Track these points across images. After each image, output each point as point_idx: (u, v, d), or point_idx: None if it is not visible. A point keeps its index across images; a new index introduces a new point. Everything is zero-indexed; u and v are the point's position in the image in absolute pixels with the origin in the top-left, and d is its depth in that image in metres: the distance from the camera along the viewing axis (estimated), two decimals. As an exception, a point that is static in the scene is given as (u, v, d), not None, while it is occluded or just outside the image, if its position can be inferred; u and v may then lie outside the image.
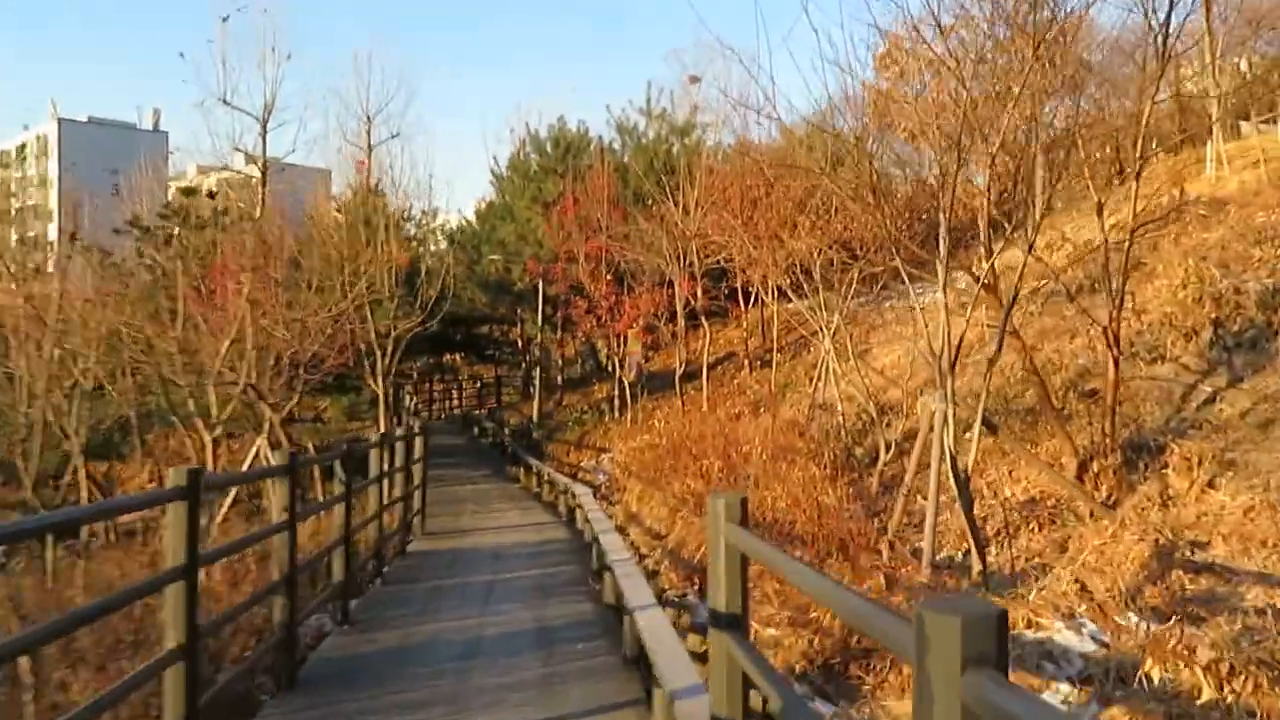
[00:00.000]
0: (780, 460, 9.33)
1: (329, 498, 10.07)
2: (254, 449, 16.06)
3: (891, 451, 9.80)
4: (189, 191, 25.62)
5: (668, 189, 22.63)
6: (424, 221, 34.75)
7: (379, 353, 18.37)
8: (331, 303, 15.59)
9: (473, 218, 34.84)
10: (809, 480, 8.56)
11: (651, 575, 9.25)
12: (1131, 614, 5.76)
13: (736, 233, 17.52)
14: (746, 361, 23.95)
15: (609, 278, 22.93)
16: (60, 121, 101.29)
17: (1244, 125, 29.02)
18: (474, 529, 16.23)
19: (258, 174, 31.22)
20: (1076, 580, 6.27)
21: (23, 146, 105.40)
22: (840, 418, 12.64)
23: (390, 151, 42.65)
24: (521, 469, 23.29)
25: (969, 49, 9.80)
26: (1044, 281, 17.48)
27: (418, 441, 15.52)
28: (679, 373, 20.70)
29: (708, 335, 21.81)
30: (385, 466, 12.03)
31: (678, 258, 20.57)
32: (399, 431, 14.84)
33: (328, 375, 18.72)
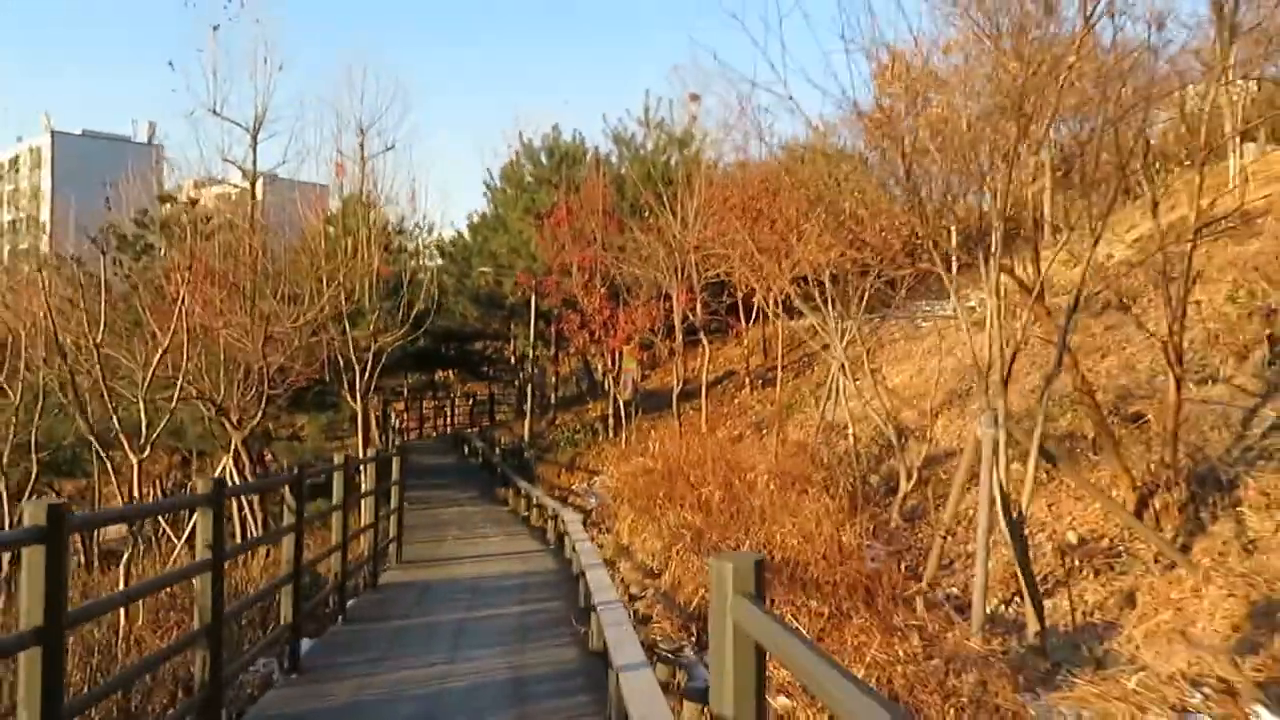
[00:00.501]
0: (789, 489, 8.27)
1: (274, 530, 8.96)
2: (220, 467, 14.93)
3: (914, 480, 8.72)
4: (166, 199, 24.51)
5: (666, 199, 21.65)
6: (416, 234, 33.85)
7: (357, 367, 17.25)
8: (299, 312, 14.47)
9: (466, 231, 33.83)
10: (823, 513, 7.48)
11: (643, 621, 8.14)
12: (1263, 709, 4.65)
13: (740, 240, 16.48)
14: (747, 380, 22.87)
15: (603, 291, 21.88)
16: (53, 134, 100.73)
17: (1250, 146, 28.20)
18: (454, 557, 15.09)
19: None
20: (1180, 654, 5.15)
21: (15, 159, 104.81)
22: (852, 441, 11.55)
23: (383, 161, 41.77)
24: (511, 491, 22.15)
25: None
26: (1068, 293, 16.50)
27: (394, 463, 14.42)
28: (676, 391, 19.61)
29: (707, 352, 20.73)
30: (349, 492, 10.92)
31: (676, 270, 19.53)
32: (380, 452, 13.79)
33: (300, 390, 17.62)
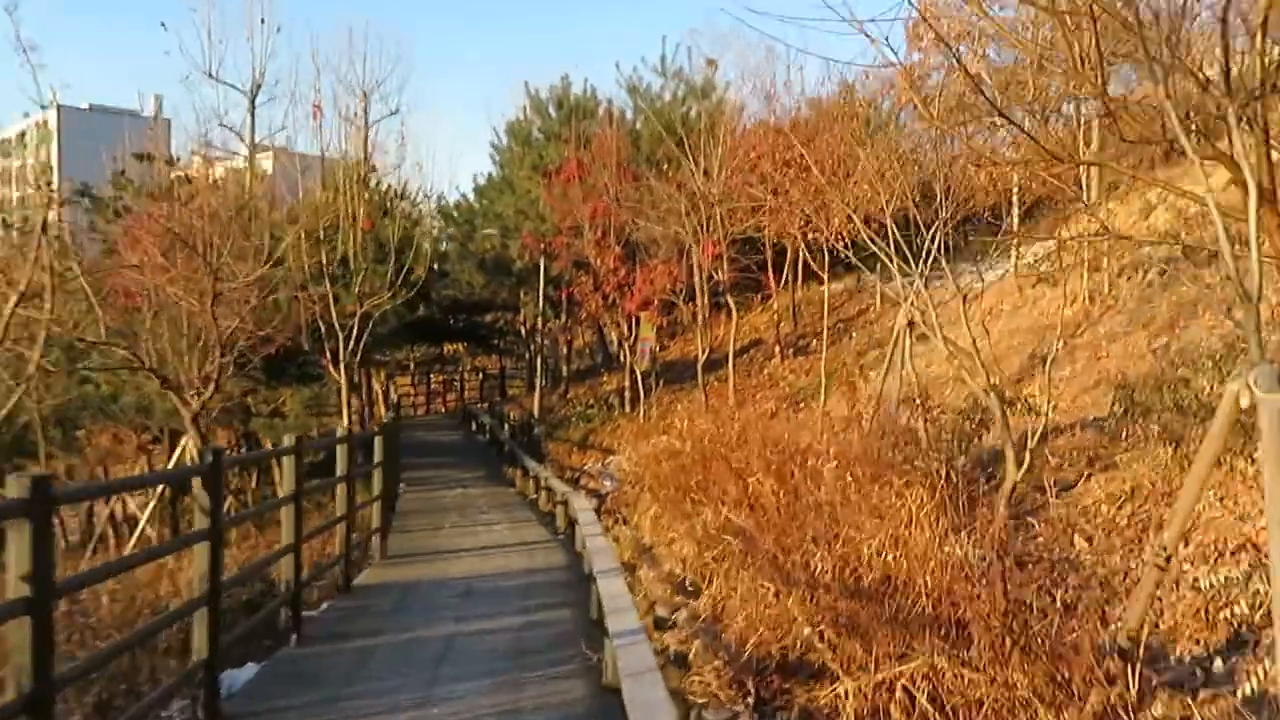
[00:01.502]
0: (862, 477, 6.27)
1: (174, 539, 7.01)
2: (180, 448, 13.01)
3: (1024, 465, 6.65)
4: (143, 157, 22.54)
5: (687, 148, 19.51)
6: (418, 198, 31.79)
7: (340, 334, 15.24)
8: (254, 268, 12.36)
9: (471, 195, 31.66)
10: (921, 516, 5.47)
11: (677, 661, 6.12)
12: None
13: (781, 185, 14.35)
14: (777, 348, 20.77)
15: (618, 250, 19.78)
16: (60, 108, 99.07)
17: None
18: (449, 550, 13.14)
19: (268, 163, 28.80)
20: None
21: (23, 134, 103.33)
22: (919, 413, 9.46)
23: (382, 128, 39.72)
24: (518, 471, 20.20)
25: None
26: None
27: (376, 442, 12.46)
28: (701, 360, 17.51)
29: (734, 317, 18.62)
30: (301, 484, 8.94)
31: (700, 225, 17.40)
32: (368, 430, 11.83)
33: (279, 360, 15.68)
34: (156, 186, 21.36)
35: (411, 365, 42.19)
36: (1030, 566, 5.67)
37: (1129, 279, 12.90)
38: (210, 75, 27.85)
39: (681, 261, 18.18)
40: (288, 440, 7.96)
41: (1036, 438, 6.71)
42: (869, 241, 9.67)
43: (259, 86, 28.30)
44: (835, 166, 13.98)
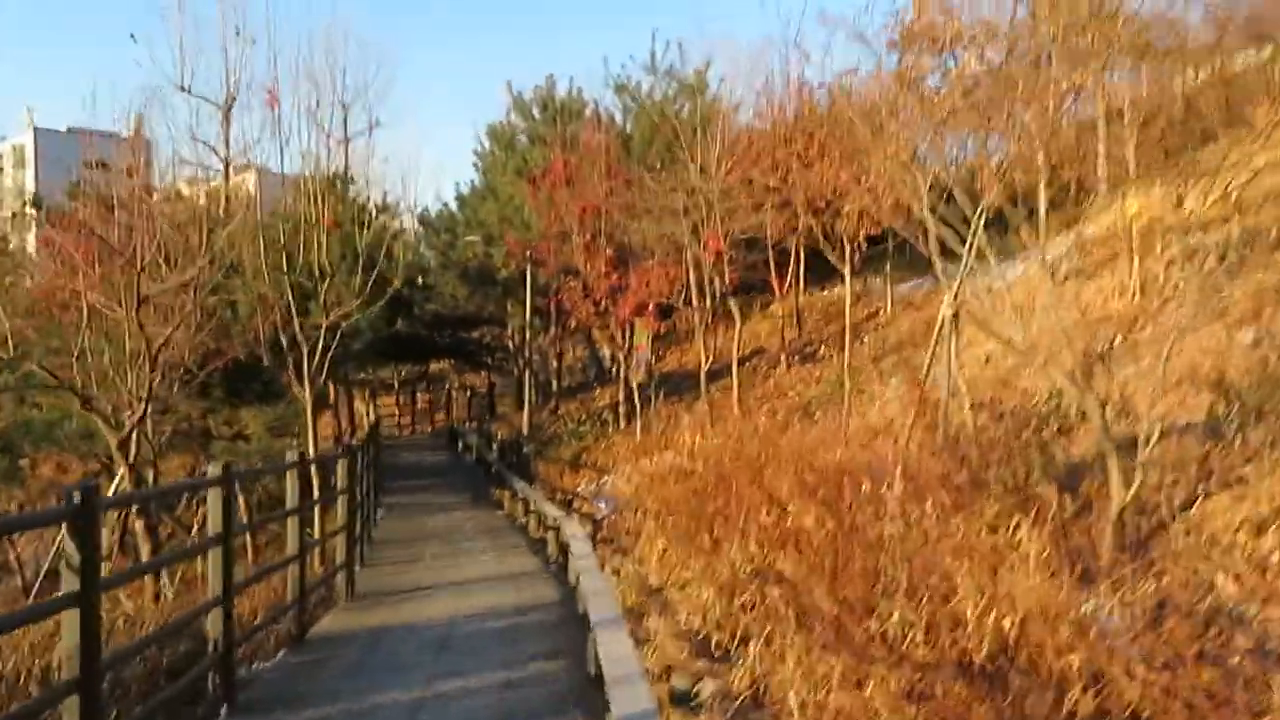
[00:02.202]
0: (940, 505, 4.88)
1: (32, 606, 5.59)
2: (116, 482, 11.50)
3: (1134, 485, 5.23)
4: (101, 165, 21.09)
5: (684, 144, 18.18)
6: (397, 210, 30.37)
7: (304, 347, 13.76)
8: (186, 267, 10.84)
9: (453, 204, 30.19)
10: (1030, 556, 4.06)
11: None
12: None
13: (790, 171, 13.01)
14: (783, 356, 19.37)
15: (609, 253, 18.37)
16: (36, 130, 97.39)
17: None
18: (427, 586, 11.64)
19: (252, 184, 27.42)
20: None
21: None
22: (970, 419, 8.05)
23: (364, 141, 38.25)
24: (507, 493, 18.73)
25: None
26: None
27: (340, 466, 10.98)
28: (704, 368, 16.09)
29: (738, 321, 17.22)
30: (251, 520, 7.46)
31: (701, 221, 16.03)
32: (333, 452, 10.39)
33: (238, 377, 14.21)
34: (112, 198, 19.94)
35: (396, 384, 40.68)
36: (1172, 620, 4.27)
37: (1182, 268, 11.59)
38: (182, 88, 26.50)
39: (679, 264, 16.78)
40: (212, 470, 6.49)
41: (1149, 447, 5.29)
42: (892, 232, 8.25)
43: (234, 99, 26.96)
44: (851, 156, 12.63)
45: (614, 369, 25.37)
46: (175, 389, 11.64)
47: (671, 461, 9.61)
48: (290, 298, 13.54)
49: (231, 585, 6.77)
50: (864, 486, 5.45)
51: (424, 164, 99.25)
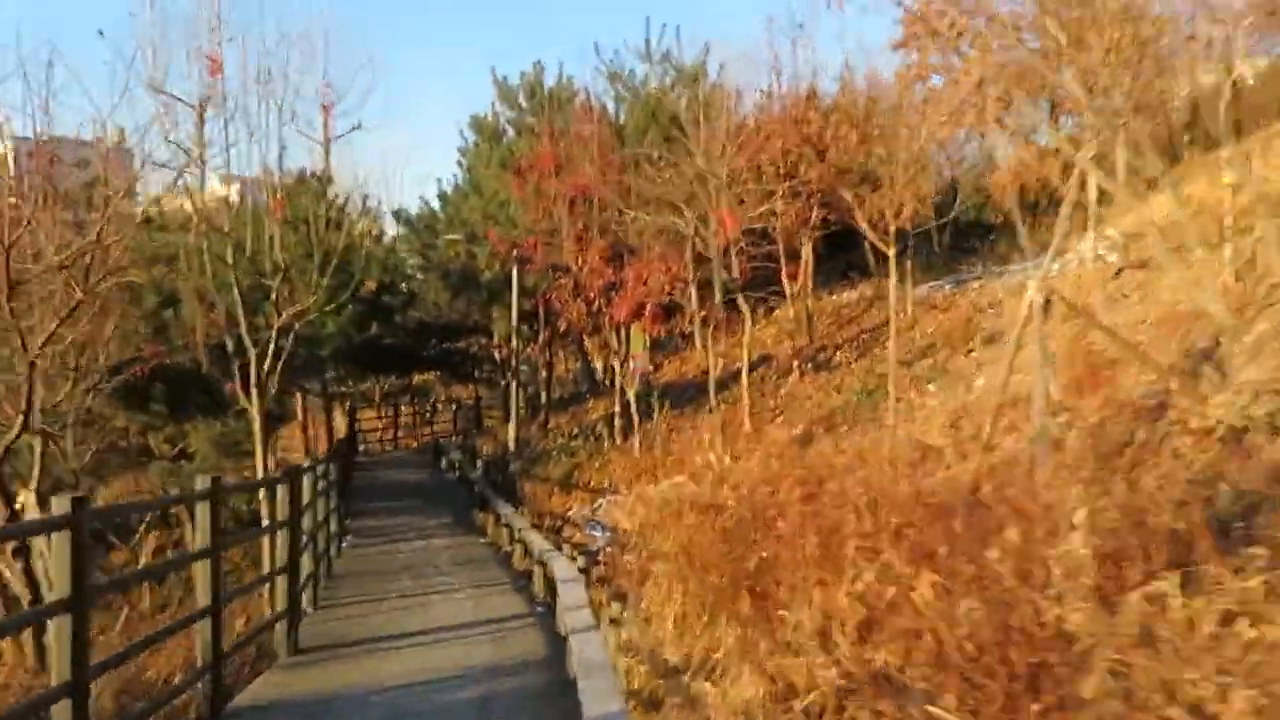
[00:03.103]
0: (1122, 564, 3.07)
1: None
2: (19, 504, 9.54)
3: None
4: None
5: (685, 128, 16.40)
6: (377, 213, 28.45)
7: (253, 352, 11.82)
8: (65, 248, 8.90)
9: (435, 202, 28.21)
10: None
11: None
12: None
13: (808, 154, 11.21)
14: (795, 364, 17.50)
15: (603, 246, 16.49)
16: (15, 140, 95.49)
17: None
18: (389, 636, 9.69)
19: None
20: None
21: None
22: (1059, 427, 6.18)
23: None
24: (490, 517, 16.81)
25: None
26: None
27: (280, 493, 9.05)
28: (714, 374, 14.19)
29: (748, 321, 15.35)
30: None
31: (703, 217, 14.21)
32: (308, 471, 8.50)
33: (176, 386, 12.28)
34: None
35: (378, 397, 38.69)
36: None
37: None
38: (153, 87, 24.61)
39: (680, 257, 14.90)
40: (59, 502, 4.56)
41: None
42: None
43: (209, 98, 25.05)
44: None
45: (607, 379, 23.48)
46: (90, 396, 9.70)
47: (685, 489, 7.73)
48: (238, 293, 11.64)
49: (85, 666, 4.82)
50: (1005, 532, 3.62)
51: (415, 167, 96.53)
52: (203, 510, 6.89)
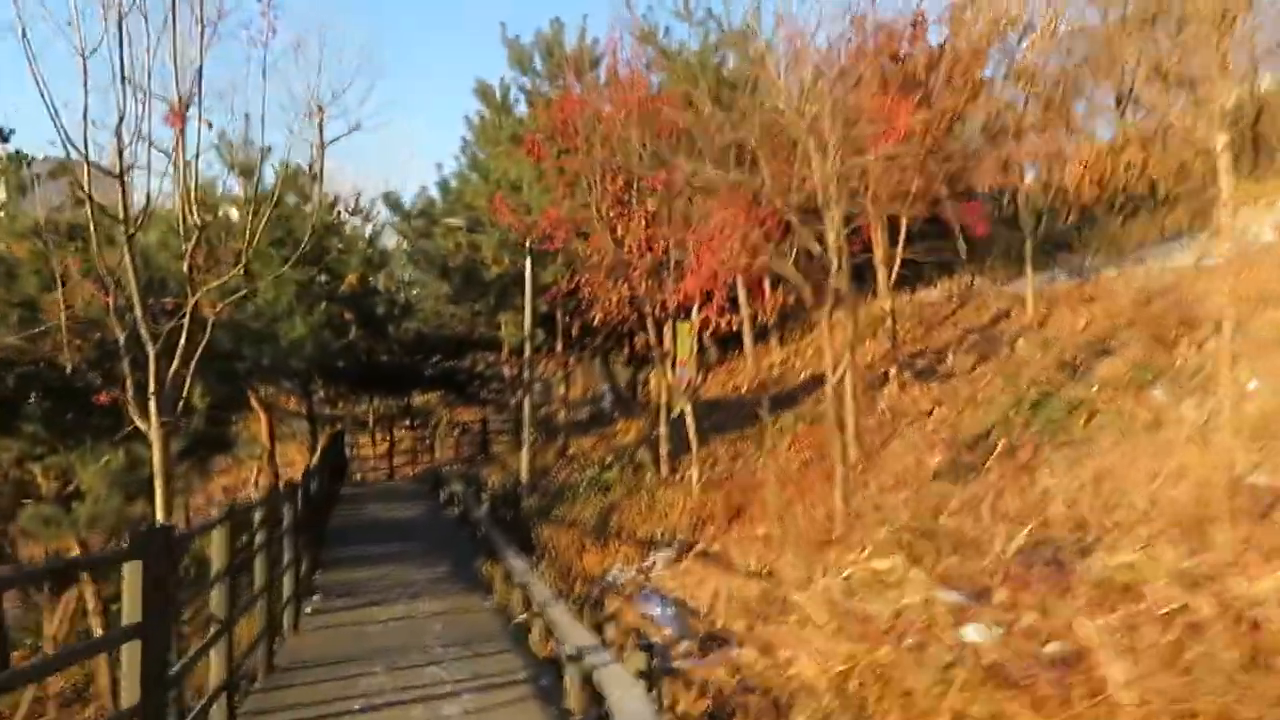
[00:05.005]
0: None
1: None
2: None
3: None
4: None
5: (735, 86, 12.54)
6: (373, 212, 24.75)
7: (151, 350, 7.86)
8: None
9: (436, 192, 24.37)
10: None
11: None
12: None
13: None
14: (891, 371, 13.54)
15: (648, 209, 12.57)
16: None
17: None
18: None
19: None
20: None
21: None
22: None
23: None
24: (498, 569, 12.78)
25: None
26: None
27: (132, 575, 5.22)
28: (841, 369, 10.07)
29: (883, 288, 11.36)
30: None
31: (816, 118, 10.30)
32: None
33: (53, 401, 8.39)
34: None
35: (371, 420, 34.84)
36: None
37: None
38: (126, 80, 21.13)
39: (758, 217, 10.82)
40: None
41: None
42: None
43: (191, 96, 21.44)
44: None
45: (644, 393, 19.56)
46: None
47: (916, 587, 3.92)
48: (129, 256, 7.76)
49: None
50: None
51: (413, 166, 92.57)
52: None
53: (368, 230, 24.11)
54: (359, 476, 32.09)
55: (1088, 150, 26.21)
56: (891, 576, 5.84)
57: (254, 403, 18.29)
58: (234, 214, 17.32)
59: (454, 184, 22.31)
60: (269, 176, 14.63)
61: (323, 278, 18.08)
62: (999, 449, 8.66)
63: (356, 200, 26.14)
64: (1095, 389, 9.18)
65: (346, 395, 32.25)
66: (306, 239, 10.74)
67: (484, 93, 20.38)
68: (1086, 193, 26.92)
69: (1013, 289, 17.99)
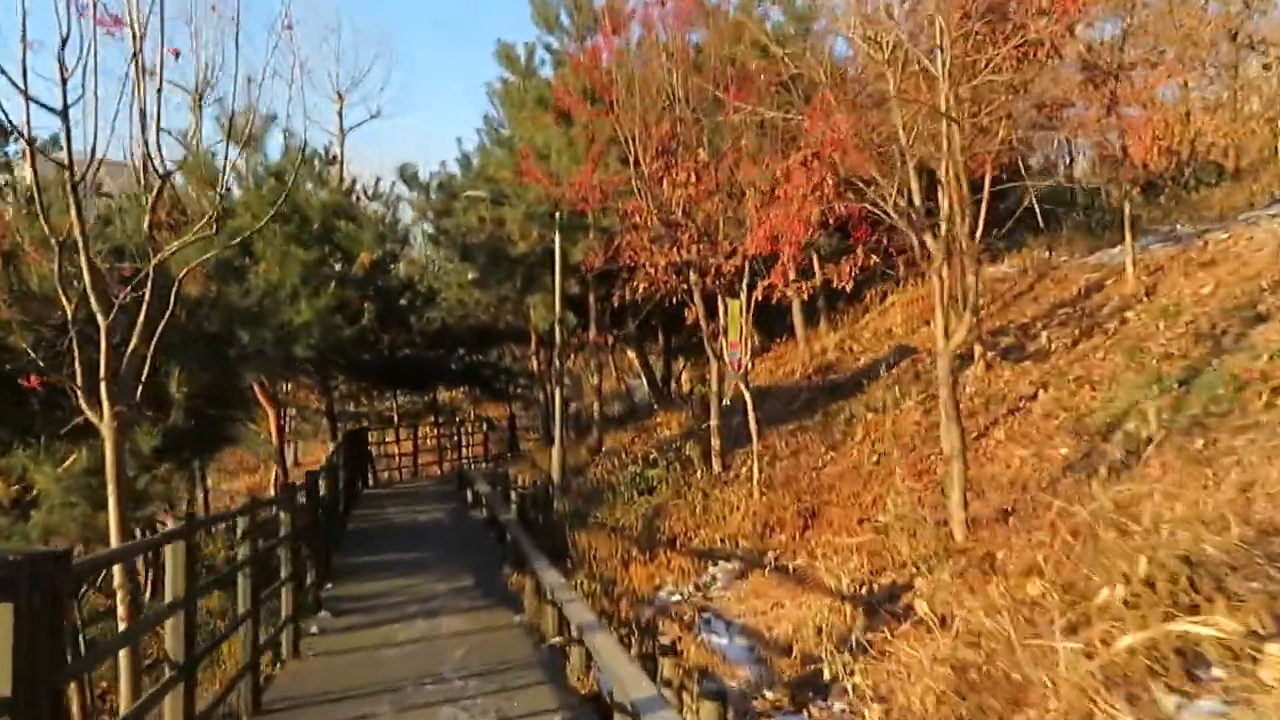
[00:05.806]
0: None
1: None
2: None
3: None
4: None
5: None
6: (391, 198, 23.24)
7: (103, 323, 6.32)
8: None
9: (457, 167, 22.76)
10: None
11: None
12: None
13: None
14: (977, 349, 11.80)
15: (697, 160, 10.88)
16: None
17: None
18: None
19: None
20: None
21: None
22: None
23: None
24: (529, 580, 11.11)
25: None
26: None
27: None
28: (952, 339, 8.20)
29: (966, 256, 9.70)
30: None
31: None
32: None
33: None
34: None
35: (396, 417, 33.40)
36: None
37: None
38: (145, 70, 19.85)
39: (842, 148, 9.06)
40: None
41: None
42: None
43: (208, 85, 20.10)
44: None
45: (673, 385, 17.89)
46: None
47: None
48: (76, 212, 6.24)
49: None
50: None
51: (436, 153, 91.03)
52: None
53: (386, 215, 22.69)
54: (384, 475, 30.66)
55: (1159, 117, 24.59)
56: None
57: (260, 397, 16.81)
58: (237, 192, 15.88)
59: (475, 159, 20.71)
60: (273, 150, 13.21)
61: (334, 260, 16.63)
62: (1157, 438, 6.92)
63: (376, 184, 24.72)
64: (1265, 359, 7.41)
65: (369, 391, 30.86)
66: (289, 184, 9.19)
67: (507, 55, 18.72)
68: (1155, 162, 25.27)
69: (1095, 259, 16.27)
